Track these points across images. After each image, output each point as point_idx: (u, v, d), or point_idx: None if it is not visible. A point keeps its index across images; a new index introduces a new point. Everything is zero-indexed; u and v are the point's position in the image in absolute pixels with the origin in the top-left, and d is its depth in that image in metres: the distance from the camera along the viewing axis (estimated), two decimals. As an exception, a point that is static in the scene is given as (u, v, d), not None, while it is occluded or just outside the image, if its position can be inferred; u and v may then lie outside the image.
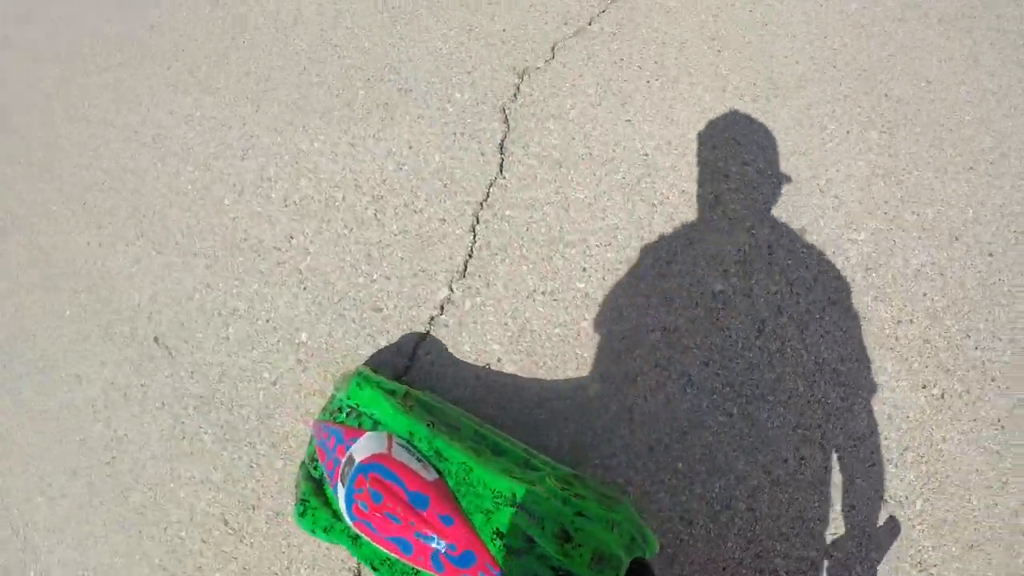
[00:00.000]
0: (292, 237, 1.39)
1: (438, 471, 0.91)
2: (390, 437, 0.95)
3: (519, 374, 1.14)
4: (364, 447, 0.94)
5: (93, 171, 1.73)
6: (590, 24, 1.51)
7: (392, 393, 1.03)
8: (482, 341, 1.17)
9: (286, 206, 1.44)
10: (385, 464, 0.90)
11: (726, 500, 1.04)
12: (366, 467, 0.90)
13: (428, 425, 0.96)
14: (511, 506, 0.86)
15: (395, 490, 0.87)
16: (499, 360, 1.15)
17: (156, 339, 1.42)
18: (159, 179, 1.63)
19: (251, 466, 1.24)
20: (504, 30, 1.53)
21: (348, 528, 0.94)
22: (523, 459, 0.98)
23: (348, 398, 1.03)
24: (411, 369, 1.18)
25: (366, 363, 1.20)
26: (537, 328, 1.17)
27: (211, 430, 1.30)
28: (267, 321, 1.33)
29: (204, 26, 1.92)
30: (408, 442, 0.95)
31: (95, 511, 1.30)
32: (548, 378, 1.13)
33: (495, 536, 0.85)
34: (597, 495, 0.93)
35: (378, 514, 0.86)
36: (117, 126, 1.77)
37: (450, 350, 1.18)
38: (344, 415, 1.02)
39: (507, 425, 1.10)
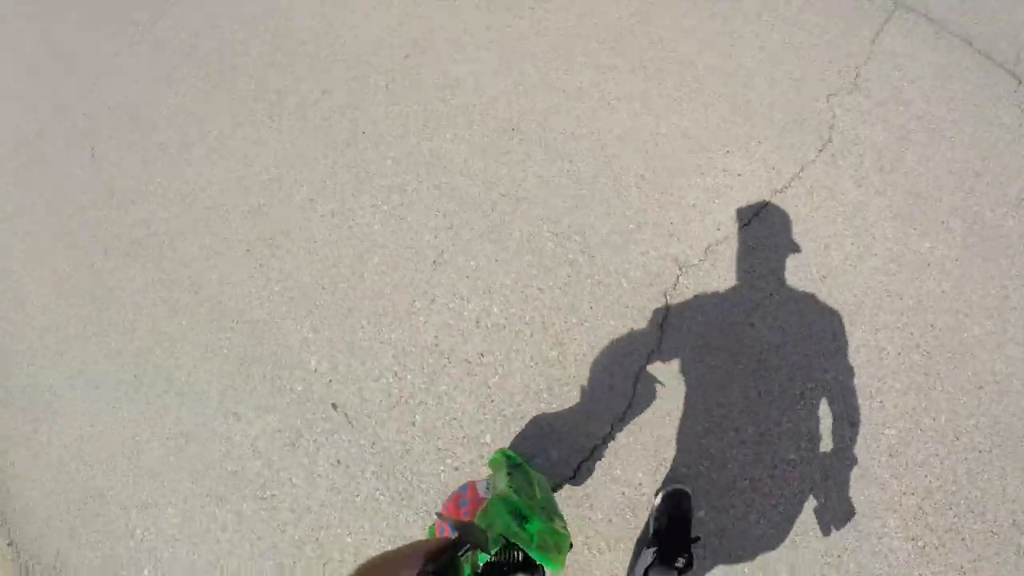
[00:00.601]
0: (483, 355, 1.78)
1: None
2: (488, 480, 1.35)
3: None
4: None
5: (262, 224, 1.85)
6: (739, 231, 1.92)
7: (509, 459, 1.46)
8: (630, 469, 1.72)
9: (477, 326, 1.82)
10: (468, 487, 1.29)
11: (773, 594, 1.66)
12: (461, 488, 1.32)
13: (508, 474, 1.31)
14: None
15: (458, 495, 1.27)
16: (640, 484, 1.71)
17: (334, 405, 1.63)
18: (340, 258, 1.82)
19: (424, 528, 1.50)
20: (671, 223, 1.94)
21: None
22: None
23: (489, 464, 1.53)
24: (574, 479, 1.71)
25: (536, 468, 1.56)
26: (671, 466, 1.74)
27: (388, 494, 1.51)
28: (454, 419, 1.69)
29: (386, 112, 2.08)
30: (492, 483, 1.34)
31: (243, 536, 1.45)
32: (672, 500, 1.71)
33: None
34: (540, 507, 1.19)
35: (445, 505, 1.25)
36: (283, 189, 1.93)
37: (606, 471, 1.72)
38: None
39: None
